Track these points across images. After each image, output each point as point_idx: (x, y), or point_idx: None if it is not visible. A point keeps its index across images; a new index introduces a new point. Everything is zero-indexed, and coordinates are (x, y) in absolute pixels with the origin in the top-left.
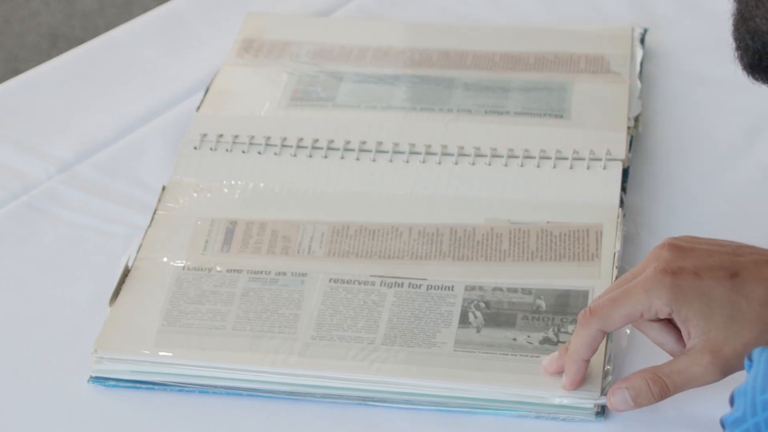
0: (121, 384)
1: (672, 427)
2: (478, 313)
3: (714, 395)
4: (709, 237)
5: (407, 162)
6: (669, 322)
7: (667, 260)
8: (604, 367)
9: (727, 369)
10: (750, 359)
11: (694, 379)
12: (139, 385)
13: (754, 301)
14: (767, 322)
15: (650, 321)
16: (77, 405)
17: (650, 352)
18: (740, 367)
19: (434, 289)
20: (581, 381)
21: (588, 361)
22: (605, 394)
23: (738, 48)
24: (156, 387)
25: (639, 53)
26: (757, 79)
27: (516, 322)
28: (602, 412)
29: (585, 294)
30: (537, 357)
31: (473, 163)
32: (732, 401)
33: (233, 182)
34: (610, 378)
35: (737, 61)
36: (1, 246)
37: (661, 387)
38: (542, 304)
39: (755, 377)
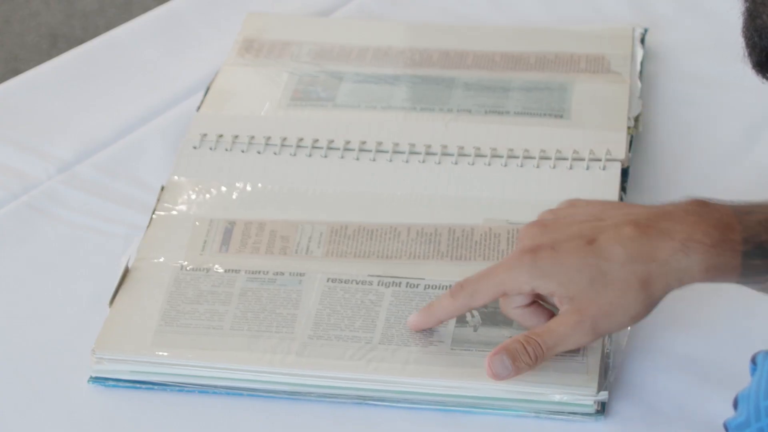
0: (120, 384)
1: (672, 427)
2: (476, 312)
3: (715, 396)
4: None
5: (407, 162)
6: (538, 305)
7: (528, 238)
8: (602, 364)
9: (596, 329)
10: (754, 363)
11: (564, 338)
12: (138, 385)
13: (613, 262)
14: (628, 280)
15: (516, 308)
16: (77, 405)
17: (651, 351)
18: (612, 329)
19: (432, 288)
20: (423, 327)
21: (440, 323)
22: (605, 390)
23: (747, 46)
24: (155, 387)
25: (639, 53)
26: (766, 78)
27: (513, 321)
28: (602, 410)
29: None
30: None
31: (473, 164)
32: (736, 405)
33: (232, 182)
34: (610, 373)
35: (746, 59)
36: (1, 246)
37: (535, 347)
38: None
39: (759, 381)
